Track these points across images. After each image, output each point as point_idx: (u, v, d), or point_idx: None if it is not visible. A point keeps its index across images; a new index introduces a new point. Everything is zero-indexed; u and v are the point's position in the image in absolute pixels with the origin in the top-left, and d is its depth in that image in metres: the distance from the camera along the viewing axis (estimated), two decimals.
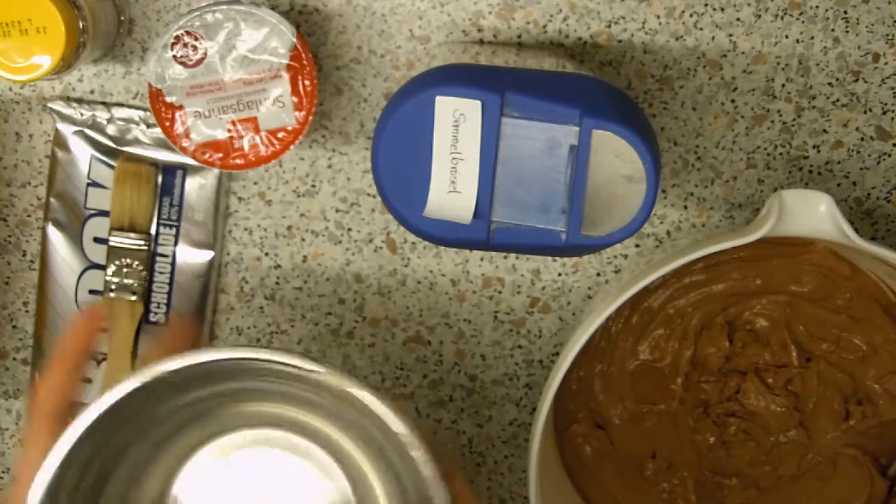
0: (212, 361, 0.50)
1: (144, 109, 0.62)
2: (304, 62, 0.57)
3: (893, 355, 0.59)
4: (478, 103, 0.49)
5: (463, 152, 0.49)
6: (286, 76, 0.57)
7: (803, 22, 0.61)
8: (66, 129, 0.62)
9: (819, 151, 0.62)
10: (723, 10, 0.60)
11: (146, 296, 0.63)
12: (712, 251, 0.54)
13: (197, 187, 0.62)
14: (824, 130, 0.62)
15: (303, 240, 0.64)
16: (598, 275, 0.64)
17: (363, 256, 0.64)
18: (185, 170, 0.62)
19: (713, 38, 0.61)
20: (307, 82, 0.57)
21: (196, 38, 0.57)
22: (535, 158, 0.49)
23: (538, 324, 0.64)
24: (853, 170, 0.62)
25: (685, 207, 0.63)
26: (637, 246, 0.63)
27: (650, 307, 0.61)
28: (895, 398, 0.60)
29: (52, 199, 0.63)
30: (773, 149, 0.62)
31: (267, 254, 0.64)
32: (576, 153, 0.49)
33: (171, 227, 0.62)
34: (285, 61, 0.57)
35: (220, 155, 0.58)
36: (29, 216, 0.64)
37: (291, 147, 0.58)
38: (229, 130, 0.58)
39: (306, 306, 0.64)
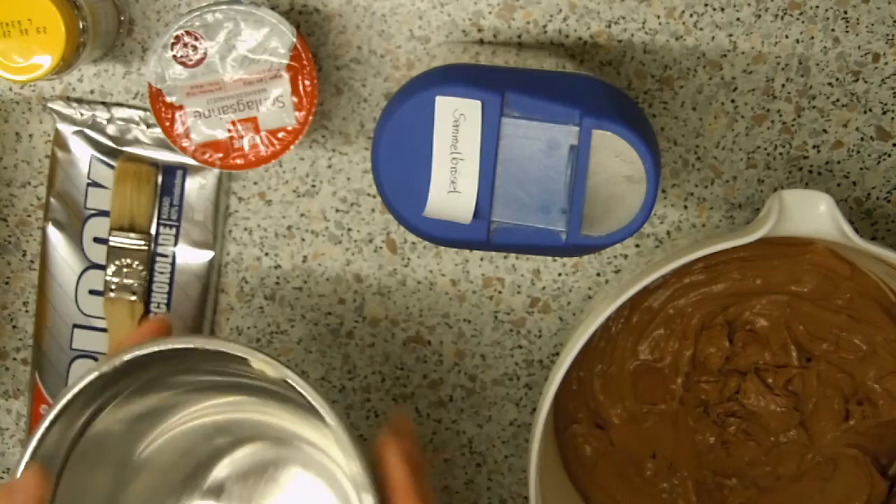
0: (139, 356, 0.51)
1: (144, 109, 0.62)
2: (304, 62, 0.57)
3: (893, 355, 0.59)
4: (478, 103, 0.49)
5: (463, 152, 0.49)
6: (286, 76, 0.57)
7: (803, 22, 0.61)
8: (66, 129, 0.62)
9: (819, 151, 0.62)
10: (723, 10, 0.60)
11: (146, 296, 0.63)
12: (712, 251, 0.53)
13: (197, 187, 0.62)
14: (824, 130, 0.62)
15: (303, 240, 0.64)
16: (598, 275, 0.64)
17: (363, 256, 0.64)
18: (185, 170, 0.62)
19: (713, 38, 0.61)
20: (307, 82, 0.57)
21: (196, 38, 0.57)
22: (535, 158, 0.49)
23: (538, 324, 0.64)
24: (853, 170, 0.62)
25: (685, 207, 0.63)
26: (637, 246, 0.63)
27: (650, 307, 0.60)
28: (895, 398, 0.60)
29: (52, 199, 0.63)
30: (773, 149, 0.62)
31: (267, 254, 0.64)
32: (576, 153, 0.49)
33: (171, 227, 0.62)
34: (285, 61, 0.57)
35: (220, 155, 0.58)
36: (29, 216, 0.64)
37: (291, 147, 0.58)
38: (229, 130, 0.58)
39: (306, 306, 0.64)
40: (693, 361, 0.60)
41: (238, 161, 0.58)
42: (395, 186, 0.50)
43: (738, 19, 0.61)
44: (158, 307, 0.63)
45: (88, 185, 0.62)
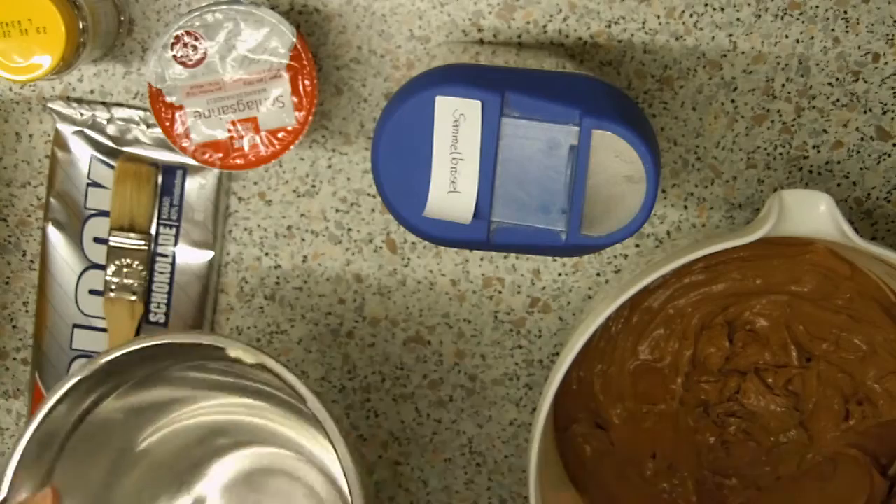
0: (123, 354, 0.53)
1: (144, 109, 0.62)
2: (304, 62, 0.57)
3: (893, 355, 0.59)
4: (478, 103, 0.49)
5: (463, 152, 0.49)
6: (286, 76, 0.57)
7: (803, 22, 0.61)
8: (66, 129, 0.62)
9: (819, 151, 0.62)
10: (723, 10, 0.60)
11: (146, 296, 0.63)
12: (712, 251, 0.53)
13: (197, 187, 0.62)
14: (824, 130, 0.62)
15: (303, 240, 0.64)
16: (598, 275, 0.64)
17: (363, 256, 0.64)
18: (185, 170, 0.62)
19: (713, 38, 0.61)
20: (307, 82, 0.57)
21: (196, 38, 0.57)
22: (535, 158, 0.49)
23: (538, 324, 0.64)
24: (853, 170, 0.62)
25: (685, 207, 0.63)
26: (637, 246, 0.63)
27: (650, 307, 0.60)
28: (895, 398, 0.60)
29: (52, 199, 0.63)
30: (773, 149, 0.62)
31: (267, 254, 0.64)
32: (576, 153, 0.49)
33: (171, 227, 0.62)
34: (285, 61, 0.57)
35: (220, 155, 0.58)
36: (29, 216, 0.64)
37: (291, 147, 0.58)
38: (229, 130, 0.58)
39: (306, 306, 0.64)
40: (693, 361, 0.60)
41: (238, 161, 0.58)
42: (395, 186, 0.50)
43: (738, 19, 0.61)
44: (158, 307, 0.63)
45: (88, 185, 0.62)
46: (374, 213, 0.63)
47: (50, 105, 0.62)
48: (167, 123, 0.57)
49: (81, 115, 0.62)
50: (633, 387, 0.61)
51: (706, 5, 0.60)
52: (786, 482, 0.62)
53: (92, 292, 0.63)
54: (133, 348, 0.53)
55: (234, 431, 0.62)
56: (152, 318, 0.63)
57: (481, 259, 0.63)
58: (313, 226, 0.64)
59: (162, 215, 0.62)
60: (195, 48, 0.57)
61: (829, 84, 0.61)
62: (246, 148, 0.58)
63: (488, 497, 0.66)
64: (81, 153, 0.62)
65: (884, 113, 0.61)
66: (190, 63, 0.57)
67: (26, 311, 0.65)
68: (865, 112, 0.61)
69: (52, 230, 0.63)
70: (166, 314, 0.63)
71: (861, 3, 0.60)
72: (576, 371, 0.61)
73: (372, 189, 0.63)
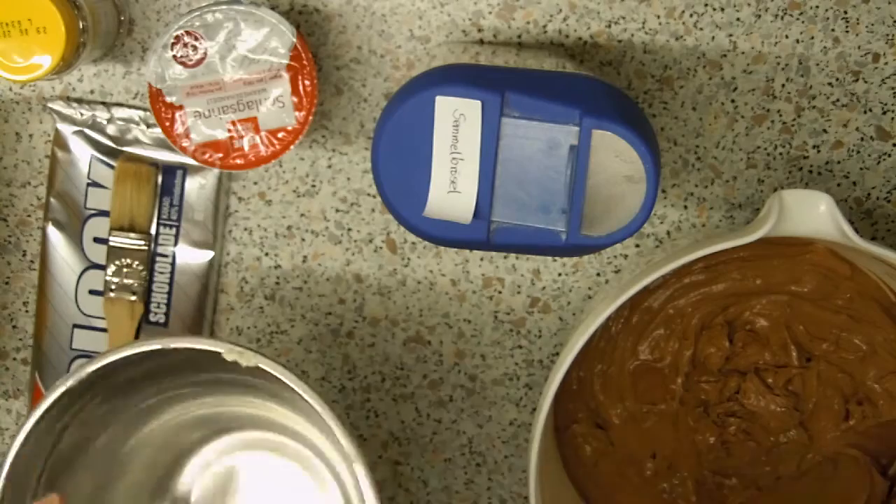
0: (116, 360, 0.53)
1: (144, 109, 0.62)
2: (304, 62, 0.57)
3: (893, 355, 0.59)
4: (478, 103, 0.49)
5: (463, 152, 0.49)
6: (286, 76, 0.57)
7: (803, 22, 0.61)
8: (66, 129, 0.62)
9: (819, 151, 0.62)
10: (723, 10, 0.60)
11: (146, 296, 0.63)
12: (712, 251, 0.53)
13: (197, 187, 0.62)
14: (824, 130, 0.62)
15: (303, 240, 0.64)
16: (598, 275, 0.64)
17: (363, 256, 0.64)
18: (185, 170, 0.62)
19: (713, 38, 0.61)
20: (307, 82, 0.57)
21: (196, 38, 0.57)
22: (535, 158, 0.49)
23: (538, 324, 0.64)
24: (853, 170, 0.62)
25: (685, 207, 0.63)
26: (637, 246, 0.63)
27: (650, 307, 0.60)
28: (895, 398, 0.60)
29: (52, 199, 0.63)
30: (773, 149, 0.62)
31: (267, 254, 0.64)
32: (576, 153, 0.49)
33: (171, 227, 0.62)
34: (285, 61, 0.57)
35: (220, 155, 0.58)
36: (29, 216, 0.64)
37: (291, 147, 0.58)
38: (229, 130, 0.58)
39: (306, 306, 0.64)
40: (693, 361, 0.60)
41: (238, 161, 0.58)
42: (395, 186, 0.50)
43: (738, 19, 0.61)
44: (158, 307, 0.63)
45: (88, 185, 0.62)
46: (374, 213, 0.63)
47: (50, 105, 0.62)
48: (167, 123, 0.57)
49: (81, 115, 0.62)
50: (633, 387, 0.61)
51: (706, 5, 0.60)
52: (786, 482, 0.62)
53: (92, 292, 0.63)
54: (127, 353, 0.53)
55: (214, 421, 0.62)
56: (152, 318, 0.63)
57: (481, 259, 0.63)
58: (313, 226, 0.64)
59: (162, 215, 0.62)
60: (195, 48, 0.57)
61: (829, 84, 0.61)
62: (246, 148, 0.58)
63: (488, 497, 0.66)
64: (81, 153, 0.62)
65: (884, 113, 0.61)
66: (190, 63, 0.57)
67: (26, 311, 0.65)
68: (865, 112, 0.61)
69: (52, 230, 0.63)
70: (166, 314, 0.63)
71: (861, 3, 0.60)
72: (576, 371, 0.61)
73: (372, 189, 0.63)
